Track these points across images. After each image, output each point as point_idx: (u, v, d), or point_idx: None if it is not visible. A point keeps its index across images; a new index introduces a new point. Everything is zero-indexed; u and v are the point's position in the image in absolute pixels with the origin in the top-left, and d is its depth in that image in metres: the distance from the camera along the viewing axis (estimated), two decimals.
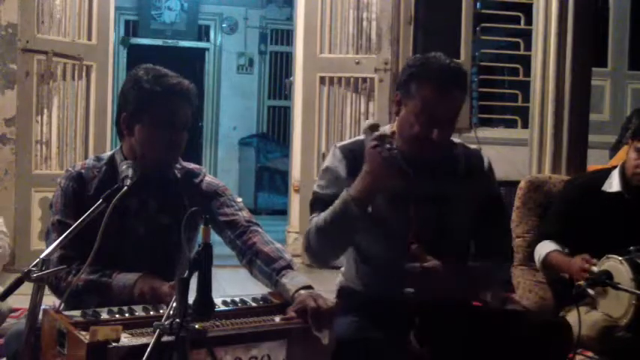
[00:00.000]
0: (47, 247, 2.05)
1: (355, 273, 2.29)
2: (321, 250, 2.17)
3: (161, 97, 2.07)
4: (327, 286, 2.38)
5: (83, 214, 1.79)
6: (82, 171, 2.14)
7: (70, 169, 2.18)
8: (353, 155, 2.20)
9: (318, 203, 2.19)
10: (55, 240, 1.96)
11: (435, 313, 2.03)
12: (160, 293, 1.91)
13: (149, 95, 2.07)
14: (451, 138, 2.26)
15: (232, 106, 10.21)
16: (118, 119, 2.15)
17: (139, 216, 2.12)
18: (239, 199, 2.26)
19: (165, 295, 1.88)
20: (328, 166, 2.23)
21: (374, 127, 2.09)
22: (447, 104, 2.11)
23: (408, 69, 2.17)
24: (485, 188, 2.29)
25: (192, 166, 2.26)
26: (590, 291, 2.69)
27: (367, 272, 2.26)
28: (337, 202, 2.09)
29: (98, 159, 2.19)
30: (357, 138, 2.31)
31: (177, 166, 2.21)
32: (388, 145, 2.01)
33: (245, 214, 2.20)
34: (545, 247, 2.91)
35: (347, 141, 2.31)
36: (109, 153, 2.22)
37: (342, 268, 2.38)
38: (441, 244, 2.13)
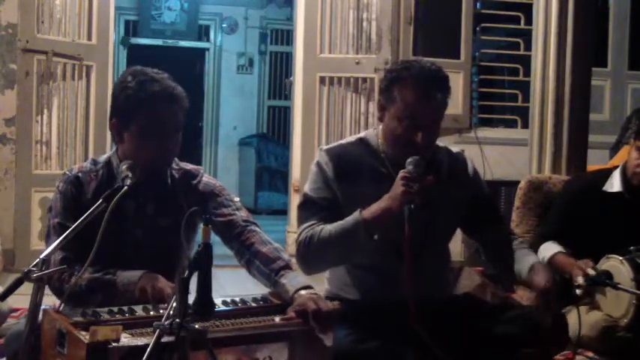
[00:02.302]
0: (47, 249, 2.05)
1: (346, 280, 2.27)
2: (319, 261, 2.17)
3: (146, 104, 2.04)
4: (324, 287, 2.38)
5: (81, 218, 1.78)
6: (80, 174, 2.14)
7: (67, 172, 2.17)
8: (339, 158, 2.21)
9: (310, 206, 2.18)
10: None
11: (432, 314, 2.03)
12: (162, 293, 1.90)
13: (134, 102, 2.05)
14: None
15: (232, 106, 10.21)
16: (110, 124, 2.14)
17: (137, 217, 2.12)
18: (236, 199, 2.24)
19: (168, 297, 1.88)
20: (317, 168, 2.22)
21: (418, 164, 2.06)
22: (428, 106, 2.12)
23: (390, 74, 2.20)
24: (473, 191, 2.32)
25: (190, 166, 2.25)
26: (587, 299, 2.70)
27: (360, 278, 2.24)
28: (348, 221, 2.08)
29: (95, 162, 2.18)
30: (341, 142, 2.33)
31: (175, 167, 2.20)
32: (416, 185, 2.00)
33: (242, 214, 2.19)
34: (549, 249, 2.90)
35: (332, 144, 2.31)
36: (105, 156, 2.21)
37: (327, 275, 2.35)
38: (426, 245, 2.17)
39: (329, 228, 2.10)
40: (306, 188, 2.23)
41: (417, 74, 2.13)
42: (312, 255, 2.12)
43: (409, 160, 2.06)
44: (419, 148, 2.10)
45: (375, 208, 2.05)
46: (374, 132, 2.28)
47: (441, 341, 1.96)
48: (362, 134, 2.32)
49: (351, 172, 2.20)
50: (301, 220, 2.19)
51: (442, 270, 2.37)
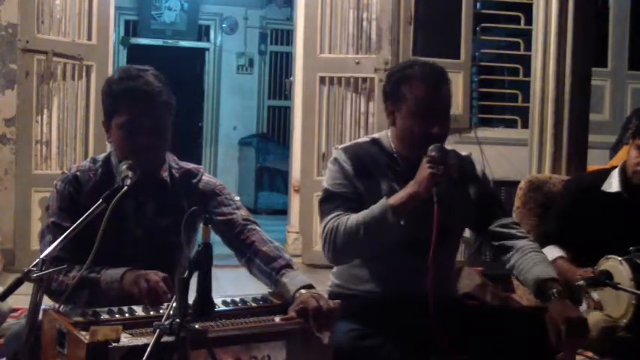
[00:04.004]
0: (41, 248, 2.05)
1: (355, 272, 2.26)
2: (347, 251, 2.16)
3: (118, 101, 2.05)
4: (326, 285, 2.38)
5: (79, 217, 1.78)
6: (78, 173, 2.13)
7: (66, 171, 2.17)
8: (357, 156, 2.23)
9: (333, 199, 2.19)
10: (49, 241, 1.95)
11: (440, 312, 2.03)
12: (157, 286, 1.90)
13: (113, 100, 2.07)
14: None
15: (232, 106, 10.22)
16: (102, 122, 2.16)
17: (137, 217, 2.11)
18: (237, 198, 2.24)
19: (163, 291, 1.88)
20: (336, 165, 2.23)
21: (440, 149, 2.11)
22: (439, 97, 2.18)
23: (391, 77, 2.25)
24: (481, 191, 2.34)
25: (190, 166, 2.25)
26: (595, 295, 2.69)
27: (371, 271, 2.24)
28: (374, 208, 2.09)
29: (94, 161, 2.18)
30: (357, 141, 2.36)
31: (175, 166, 2.20)
32: (442, 167, 2.05)
33: (243, 213, 2.19)
34: (550, 254, 2.89)
35: (347, 143, 2.34)
36: (103, 155, 2.21)
37: (335, 269, 2.35)
38: (439, 246, 2.15)
39: (355, 216, 2.11)
40: (326, 184, 2.24)
41: (420, 70, 2.19)
42: (339, 244, 2.12)
43: (431, 147, 2.11)
44: (437, 140, 2.14)
45: (401, 194, 2.09)
46: (385, 134, 2.31)
47: (446, 338, 1.97)
48: (375, 135, 2.35)
49: (369, 169, 2.22)
50: (325, 213, 2.19)
51: (450, 270, 2.39)
